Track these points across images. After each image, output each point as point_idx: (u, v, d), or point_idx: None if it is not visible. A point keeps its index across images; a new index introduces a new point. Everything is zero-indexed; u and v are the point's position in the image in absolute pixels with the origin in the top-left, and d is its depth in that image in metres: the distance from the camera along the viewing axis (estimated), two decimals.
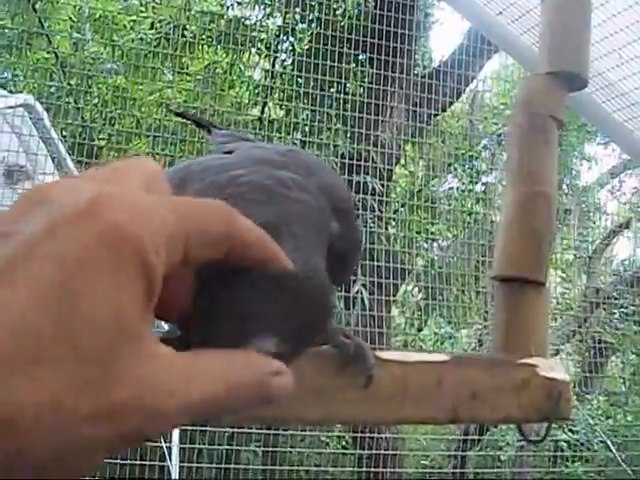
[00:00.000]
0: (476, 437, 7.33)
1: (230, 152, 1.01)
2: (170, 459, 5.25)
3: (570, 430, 7.57)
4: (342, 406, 0.94)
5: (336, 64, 6.60)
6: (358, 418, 0.97)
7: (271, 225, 0.76)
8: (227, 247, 0.53)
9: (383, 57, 6.67)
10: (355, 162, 6.46)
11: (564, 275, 9.40)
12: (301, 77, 6.87)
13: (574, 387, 8.24)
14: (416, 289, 8.16)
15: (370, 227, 6.40)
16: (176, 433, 5.25)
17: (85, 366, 0.43)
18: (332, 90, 6.86)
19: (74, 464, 0.45)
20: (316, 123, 6.72)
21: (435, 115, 7.38)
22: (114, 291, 0.44)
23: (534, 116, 1.19)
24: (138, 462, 5.55)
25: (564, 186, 8.95)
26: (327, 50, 6.61)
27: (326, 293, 0.76)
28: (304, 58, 6.84)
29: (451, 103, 7.76)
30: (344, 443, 7.58)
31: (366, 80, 7.10)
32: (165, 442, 5.38)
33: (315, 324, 0.77)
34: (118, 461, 5.45)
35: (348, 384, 0.94)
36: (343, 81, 6.89)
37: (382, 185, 6.75)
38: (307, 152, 1.12)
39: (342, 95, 6.89)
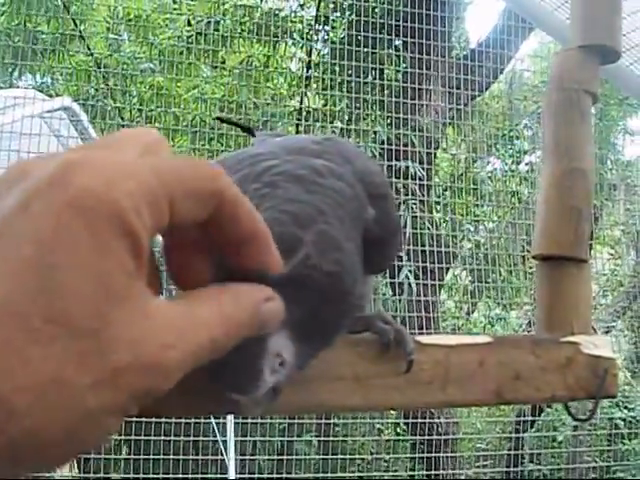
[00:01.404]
0: (531, 418, 7.29)
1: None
2: (226, 453, 5.28)
3: (625, 407, 7.50)
4: (383, 392, 0.94)
5: (372, 50, 6.58)
6: (400, 403, 0.96)
7: (306, 214, 0.76)
8: (214, 204, 0.52)
9: (419, 41, 6.62)
10: (395, 147, 6.43)
11: (613, 252, 9.28)
12: (338, 65, 6.84)
13: (632, 363, 8.16)
14: (464, 272, 8.12)
15: (414, 212, 6.37)
16: (231, 427, 5.28)
17: (79, 339, 0.43)
18: (370, 77, 6.83)
19: (89, 434, 0.45)
20: (355, 111, 6.71)
21: (474, 97, 7.32)
22: (95, 258, 0.44)
23: (568, 91, 1.17)
24: (195, 457, 5.60)
25: (608, 161, 8.81)
26: (363, 37, 6.59)
27: (345, 290, 0.77)
28: (340, 46, 6.82)
29: (490, 84, 7.69)
30: (399, 430, 7.57)
31: (403, 65, 7.07)
32: (221, 436, 5.42)
33: (333, 319, 0.77)
34: (176, 457, 5.51)
35: (389, 370, 0.94)
36: (380, 67, 6.86)
37: (424, 169, 6.71)
38: (344, 140, 1.12)
39: (380, 81, 6.87)
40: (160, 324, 0.47)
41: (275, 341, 0.68)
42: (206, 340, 0.50)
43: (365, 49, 6.52)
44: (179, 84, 7.10)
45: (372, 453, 6.83)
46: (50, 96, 6.39)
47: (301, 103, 7.42)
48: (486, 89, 7.79)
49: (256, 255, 0.57)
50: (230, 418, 5.24)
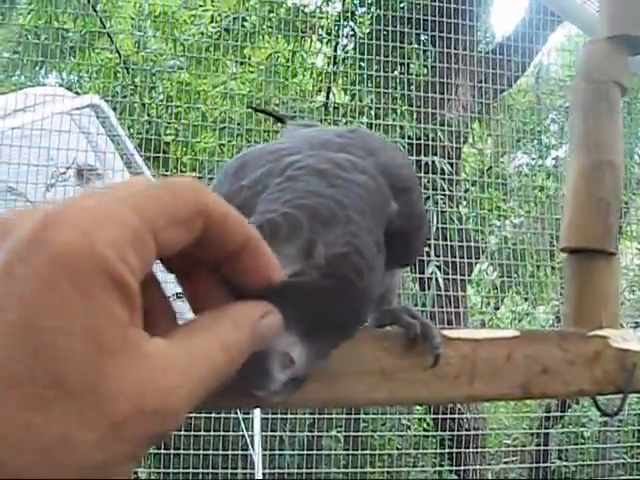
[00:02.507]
0: (558, 414, 7.25)
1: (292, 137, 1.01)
2: (253, 448, 5.29)
3: None
4: (410, 386, 0.93)
5: (398, 44, 6.55)
6: (426, 398, 0.96)
7: (325, 208, 0.75)
8: (199, 226, 0.51)
9: (445, 35, 6.59)
10: (423, 142, 6.41)
11: None
12: (364, 61, 6.83)
13: None
14: (490, 268, 8.08)
15: (441, 207, 6.35)
16: (257, 422, 5.29)
17: (77, 398, 0.43)
18: (396, 72, 6.82)
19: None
20: (381, 106, 6.69)
21: (501, 91, 7.27)
22: (84, 316, 0.44)
23: (596, 83, 1.16)
24: (222, 452, 5.62)
25: (635, 156, 8.72)
26: (388, 32, 6.57)
27: (358, 290, 0.76)
28: (366, 41, 6.80)
29: (517, 78, 7.64)
30: (425, 425, 7.56)
31: (429, 59, 7.05)
32: (248, 431, 5.43)
33: (346, 317, 0.77)
34: (204, 452, 5.53)
35: (415, 364, 0.93)
36: (406, 61, 6.84)
37: (451, 164, 6.69)
38: (370, 132, 1.11)
39: (406, 76, 6.85)
40: (160, 367, 0.47)
41: (281, 340, 0.67)
42: (209, 373, 0.50)
43: (391, 44, 6.49)
44: (205, 80, 7.10)
45: (398, 449, 6.81)
46: (77, 94, 6.43)
47: (327, 98, 7.41)
48: (513, 83, 7.74)
49: (252, 265, 0.57)
50: (257, 413, 5.25)
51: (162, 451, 5.63)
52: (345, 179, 0.82)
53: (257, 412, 5.24)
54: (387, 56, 6.50)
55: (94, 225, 0.45)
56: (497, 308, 8.78)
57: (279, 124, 1.43)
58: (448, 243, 6.15)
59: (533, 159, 8.41)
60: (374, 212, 0.83)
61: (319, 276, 0.71)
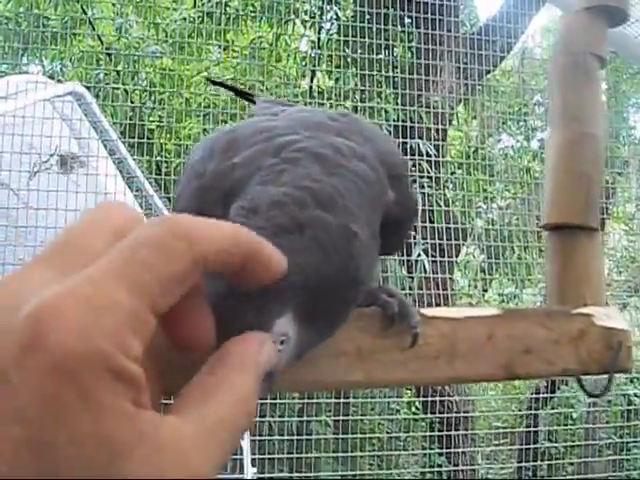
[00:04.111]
0: (547, 395, 7.28)
1: (275, 115, 0.98)
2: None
3: None
4: (387, 367, 0.91)
5: (383, 26, 6.52)
6: (405, 379, 0.93)
7: (326, 193, 0.74)
8: (198, 273, 0.49)
9: (430, 16, 6.58)
10: (409, 124, 6.40)
11: (627, 228, 9.23)
12: (348, 44, 6.80)
13: None
14: (477, 251, 8.10)
15: (428, 191, 6.35)
16: None
17: None
18: (380, 55, 6.79)
19: None
20: (366, 88, 6.67)
21: (486, 72, 7.26)
22: (92, 423, 0.42)
23: (574, 55, 1.14)
24: None
25: (620, 137, 8.74)
26: (372, 14, 6.54)
27: (356, 281, 0.75)
28: (350, 23, 6.78)
29: (502, 59, 7.62)
30: (414, 409, 7.58)
31: (414, 41, 7.02)
32: None
33: (340, 308, 0.75)
34: None
35: (393, 344, 0.91)
36: (391, 43, 6.81)
37: (437, 147, 6.68)
38: (359, 117, 1.09)
39: (391, 57, 6.84)
40: (181, 451, 0.45)
41: (282, 322, 0.65)
42: (230, 435, 0.49)
43: (375, 26, 6.46)
44: (188, 66, 7.08)
45: (388, 432, 6.83)
46: (60, 82, 6.39)
47: (312, 82, 7.39)
48: (498, 64, 7.73)
49: (256, 271, 0.55)
50: None
51: None
52: (346, 167, 0.80)
53: None
54: (371, 39, 6.47)
55: (91, 319, 0.43)
56: (485, 291, 8.80)
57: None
58: (435, 225, 6.15)
59: (518, 141, 8.42)
60: (372, 203, 0.81)
61: (321, 265, 0.69)
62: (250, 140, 0.85)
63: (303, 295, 0.67)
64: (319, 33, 7.57)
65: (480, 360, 0.96)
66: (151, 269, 0.46)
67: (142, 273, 0.46)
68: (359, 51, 6.63)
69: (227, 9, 7.04)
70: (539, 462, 7.09)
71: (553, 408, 7.48)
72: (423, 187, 6.34)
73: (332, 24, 7.68)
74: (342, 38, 6.85)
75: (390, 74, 6.77)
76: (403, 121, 6.44)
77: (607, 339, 1.04)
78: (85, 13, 7.19)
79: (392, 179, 0.88)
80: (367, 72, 6.60)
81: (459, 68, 6.93)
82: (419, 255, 6.19)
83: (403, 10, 6.80)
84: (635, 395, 7.47)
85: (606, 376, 1.07)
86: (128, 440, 0.43)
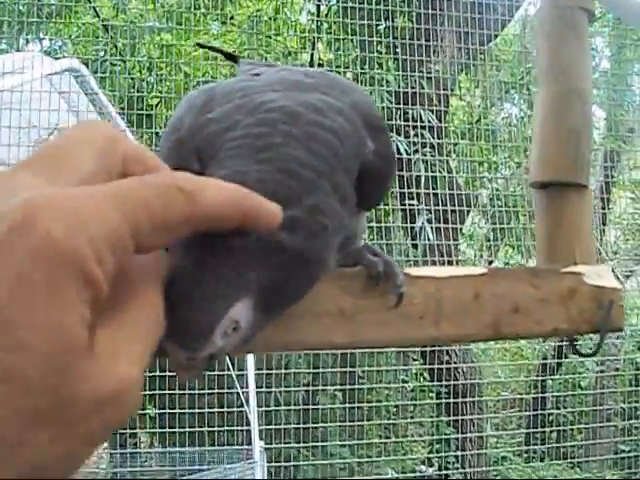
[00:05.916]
0: (555, 361, 7.30)
1: (257, 75, 0.98)
2: (248, 404, 5.33)
3: None
4: (371, 328, 0.89)
5: None
6: (389, 340, 0.92)
7: (300, 163, 0.75)
8: (190, 228, 0.52)
9: None
10: (410, 90, 6.36)
11: (634, 195, 9.18)
12: (347, 15, 6.74)
13: None
14: (482, 220, 8.08)
15: (431, 160, 6.33)
16: (252, 378, 5.32)
17: (35, 397, 0.43)
18: (380, 24, 6.73)
19: (56, 475, 0.45)
20: (367, 55, 6.62)
21: (488, 40, 7.20)
22: (53, 313, 0.43)
23: (561, 9, 1.12)
24: (219, 410, 5.66)
25: (625, 104, 8.65)
26: None
27: (321, 261, 0.76)
28: None
29: (503, 26, 7.55)
30: (422, 379, 7.59)
31: (414, 6, 6.94)
32: (242, 388, 5.47)
33: (300, 290, 0.76)
34: (200, 411, 5.57)
35: (377, 304, 0.90)
36: (390, 9, 6.73)
37: (438, 116, 6.64)
38: (336, 74, 1.10)
39: (391, 24, 6.78)
40: (111, 358, 0.47)
41: (237, 308, 0.66)
42: (146, 338, 0.51)
43: None
44: (187, 41, 7.03)
45: (396, 402, 6.85)
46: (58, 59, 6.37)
47: (312, 56, 7.34)
48: (500, 31, 7.65)
49: (253, 221, 0.58)
50: (251, 368, 5.30)
51: (160, 411, 5.69)
52: (320, 125, 0.80)
53: (251, 368, 5.29)
54: (371, 7, 6.43)
55: (79, 218, 0.44)
56: (491, 262, 8.78)
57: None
58: (439, 192, 6.14)
59: (521, 110, 8.35)
60: (347, 158, 0.82)
61: (286, 247, 0.69)
62: (227, 98, 0.86)
63: (265, 282, 0.68)
64: (319, 6, 7.51)
65: (466, 320, 0.95)
66: (147, 207, 0.48)
67: (138, 208, 0.48)
68: (359, 21, 6.58)
69: None
70: (548, 429, 7.11)
71: (561, 375, 7.49)
72: (425, 155, 6.32)
73: None
74: (342, 4, 6.79)
75: (391, 40, 6.73)
76: (404, 89, 6.41)
77: (598, 298, 1.03)
78: None
79: (371, 130, 0.88)
80: (367, 39, 6.55)
81: (460, 34, 6.87)
82: (423, 223, 6.18)
83: None
84: None
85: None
86: (80, 343, 0.44)
